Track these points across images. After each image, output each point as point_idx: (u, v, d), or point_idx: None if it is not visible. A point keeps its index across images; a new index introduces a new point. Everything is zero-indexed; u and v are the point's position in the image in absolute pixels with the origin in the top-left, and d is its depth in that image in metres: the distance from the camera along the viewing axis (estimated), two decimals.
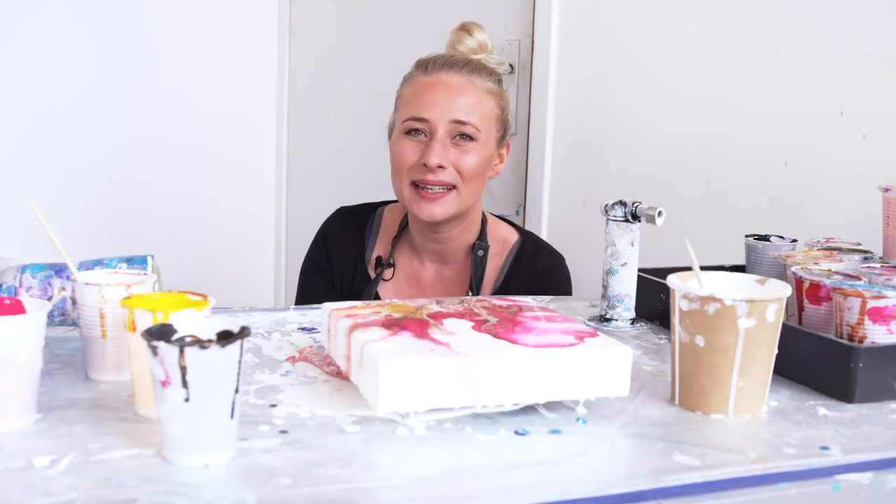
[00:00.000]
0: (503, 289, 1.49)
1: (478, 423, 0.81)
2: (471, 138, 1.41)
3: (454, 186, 1.40)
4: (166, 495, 0.64)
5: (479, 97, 1.42)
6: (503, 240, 1.54)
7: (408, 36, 2.55)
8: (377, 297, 1.50)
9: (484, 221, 1.52)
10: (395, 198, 1.57)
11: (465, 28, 1.50)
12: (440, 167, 1.39)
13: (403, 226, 1.53)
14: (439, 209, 1.41)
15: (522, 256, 1.51)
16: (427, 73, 1.44)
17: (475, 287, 1.48)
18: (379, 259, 1.53)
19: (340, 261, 1.54)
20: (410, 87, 1.45)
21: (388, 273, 1.52)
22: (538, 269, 1.50)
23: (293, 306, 1.24)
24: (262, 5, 3.07)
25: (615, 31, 1.89)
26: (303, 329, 1.12)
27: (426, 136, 1.41)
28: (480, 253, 1.49)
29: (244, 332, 0.71)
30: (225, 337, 0.71)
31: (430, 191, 1.40)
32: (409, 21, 2.55)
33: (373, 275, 1.52)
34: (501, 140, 1.47)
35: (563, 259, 1.55)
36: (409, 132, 1.42)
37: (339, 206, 1.62)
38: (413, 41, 2.51)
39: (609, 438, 0.79)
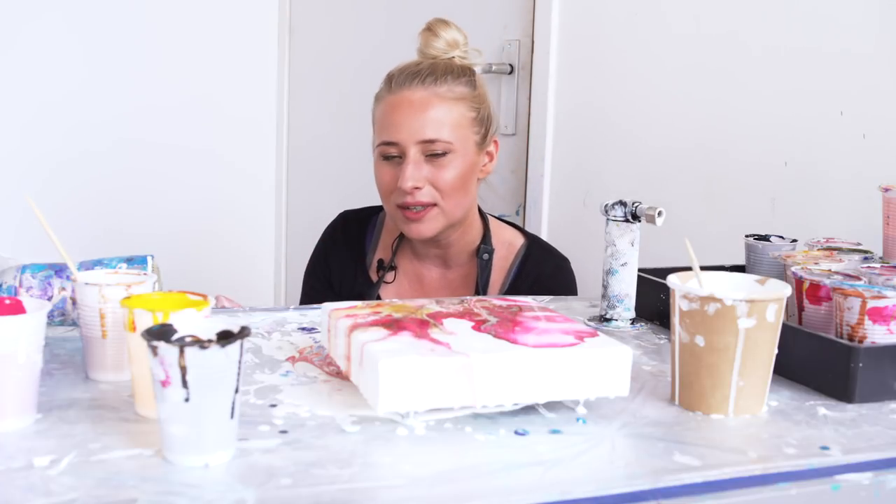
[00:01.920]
0: (510, 292, 1.48)
1: (478, 423, 0.81)
2: (444, 153, 1.38)
3: (434, 204, 1.39)
4: (166, 495, 0.64)
5: (447, 108, 1.38)
6: (508, 243, 1.52)
7: (408, 36, 2.54)
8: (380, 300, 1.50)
9: (486, 224, 1.51)
10: None
11: (430, 28, 1.46)
12: (416, 188, 1.37)
13: None
14: (425, 227, 1.40)
15: (529, 260, 1.50)
16: (391, 90, 1.41)
17: (482, 290, 1.47)
18: (381, 262, 1.52)
19: (340, 266, 1.53)
20: (380, 108, 1.44)
21: (389, 276, 1.51)
22: (546, 273, 1.49)
23: (293, 306, 1.24)
24: (262, 5, 3.07)
25: (615, 31, 1.89)
26: (303, 329, 1.12)
27: (400, 158, 1.39)
28: (486, 256, 1.48)
29: (244, 332, 0.71)
30: (225, 337, 0.71)
31: (413, 210, 1.39)
32: (408, 21, 2.54)
33: (374, 278, 1.52)
34: (483, 140, 1.44)
35: (569, 262, 1.54)
36: (384, 157, 1.41)
37: (341, 211, 1.61)
38: (413, 41, 2.51)
39: (609, 438, 0.79)
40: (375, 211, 1.59)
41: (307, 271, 1.60)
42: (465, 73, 1.43)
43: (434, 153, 1.38)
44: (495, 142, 1.48)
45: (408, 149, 1.37)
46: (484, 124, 1.44)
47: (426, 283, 1.52)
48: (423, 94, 1.38)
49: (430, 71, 1.40)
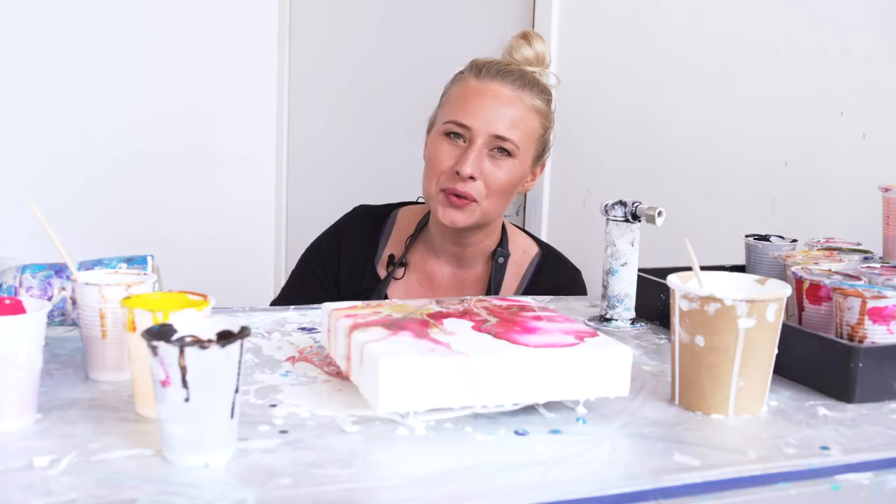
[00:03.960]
0: None
1: (478, 423, 0.81)
2: (508, 154, 1.39)
3: (476, 201, 1.38)
4: (166, 495, 0.64)
5: (526, 114, 1.39)
6: (523, 250, 1.52)
7: (407, 35, 2.55)
8: (386, 297, 1.49)
9: (504, 229, 1.51)
10: (411, 199, 1.57)
11: (524, 37, 1.46)
12: (471, 178, 1.37)
13: (422, 226, 1.52)
14: (461, 217, 1.39)
15: (544, 269, 1.50)
16: (479, 77, 1.41)
17: (494, 293, 1.47)
18: (391, 258, 1.51)
19: (350, 258, 1.52)
20: (459, 88, 1.42)
21: (399, 272, 1.50)
22: (561, 285, 1.49)
23: (293, 306, 1.24)
24: (262, 5, 3.07)
25: (615, 31, 1.89)
26: (303, 329, 1.12)
27: (465, 142, 1.39)
28: (501, 260, 1.48)
29: (244, 332, 0.71)
30: (225, 337, 0.71)
31: (457, 197, 1.38)
32: (408, 20, 2.55)
33: (383, 274, 1.51)
34: (538, 159, 1.46)
35: (581, 273, 1.54)
36: (449, 134, 1.40)
37: (358, 204, 1.61)
38: (413, 41, 2.51)
39: (609, 438, 0.79)
40: (391, 208, 1.58)
41: (307, 255, 1.58)
42: (547, 92, 1.45)
43: (500, 149, 1.38)
44: (543, 164, 1.49)
45: (477, 137, 1.37)
46: (545, 145, 1.46)
47: (437, 282, 1.51)
48: (511, 94, 1.39)
49: (520, 75, 1.41)
